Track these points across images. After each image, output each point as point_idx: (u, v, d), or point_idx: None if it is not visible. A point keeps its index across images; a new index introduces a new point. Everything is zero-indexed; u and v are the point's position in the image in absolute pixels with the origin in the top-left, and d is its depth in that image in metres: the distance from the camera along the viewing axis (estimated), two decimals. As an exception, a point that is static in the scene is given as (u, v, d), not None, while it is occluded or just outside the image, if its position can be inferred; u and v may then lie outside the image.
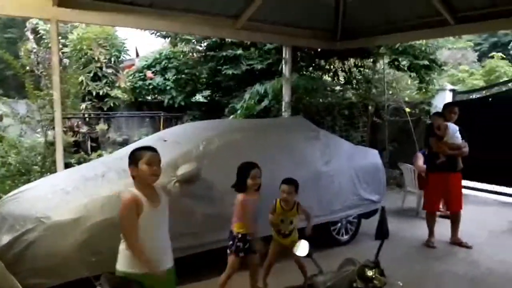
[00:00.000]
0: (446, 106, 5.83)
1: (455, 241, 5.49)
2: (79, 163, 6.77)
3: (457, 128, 5.33)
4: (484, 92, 9.21)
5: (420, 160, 6.77)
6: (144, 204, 2.53)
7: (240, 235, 3.52)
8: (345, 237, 5.40)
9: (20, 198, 3.89)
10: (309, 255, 2.24)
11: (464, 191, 5.83)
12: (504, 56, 14.44)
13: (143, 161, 2.58)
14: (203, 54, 10.49)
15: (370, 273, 1.87)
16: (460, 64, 14.75)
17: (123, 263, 2.58)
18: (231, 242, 3.55)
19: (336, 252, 4.88)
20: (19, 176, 6.01)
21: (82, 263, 3.44)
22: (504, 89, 8.78)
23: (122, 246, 2.60)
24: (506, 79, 11.02)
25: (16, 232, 3.45)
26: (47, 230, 3.44)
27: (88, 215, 3.55)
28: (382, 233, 2.09)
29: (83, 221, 3.52)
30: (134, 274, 2.51)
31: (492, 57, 14.12)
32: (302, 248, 2.28)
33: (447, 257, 5.11)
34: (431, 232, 5.47)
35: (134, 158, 2.63)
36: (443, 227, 5.55)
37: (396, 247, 5.08)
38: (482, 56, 17.59)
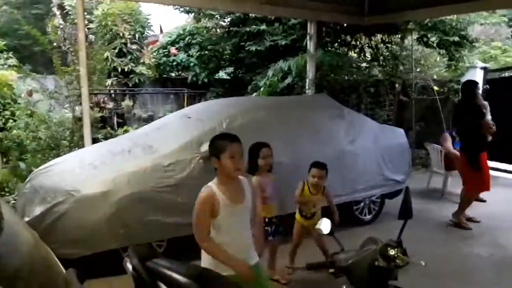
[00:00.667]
0: (476, 84, 5.42)
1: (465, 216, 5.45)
2: (105, 138, 6.93)
3: None
4: (517, 70, 8.87)
5: (448, 141, 6.58)
6: (222, 203, 2.27)
7: (266, 219, 3.46)
8: (368, 217, 5.38)
9: (51, 172, 4.03)
10: (331, 233, 2.25)
11: (493, 172, 5.68)
12: (540, 32, 13.80)
13: (226, 155, 2.28)
14: (227, 29, 10.41)
15: (392, 252, 1.87)
16: (493, 41, 14.15)
17: (208, 263, 2.35)
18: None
19: (359, 232, 4.88)
20: (49, 151, 6.20)
21: (111, 235, 3.58)
22: (539, 66, 8.43)
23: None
24: (542, 56, 10.55)
25: (47, 204, 3.60)
26: (77, 203, 3.57)
27: (116, 189, 3.65)
28: (405, 213, 2.07)
29: (111, 194, 3.63)
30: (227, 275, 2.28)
31: (527, 33, 13.52)
32: (324, 226, 2.29)
33: (473, 238, 5.04)
34: (463, 213, 5.38)
35: (215, 149, 2.34)
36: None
37: (420, 227, 5.03)
38: (517, 32, 16.80)
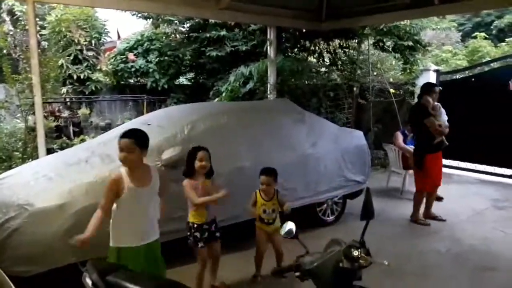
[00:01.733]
0: (430, 86, 5.59)
1: (430, 216, 5.62)
2: (61, 148, 6.66)
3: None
4: (467, 72, 9.29)
5: (399, 139, 6.84)
6: (127, 184, 2.72)
7: (195, 225, 3.45)
8: (331, 218, 5.46)
9: (2, 185, 3.81)
10: (295, 236, 2.25)
11: (447, 170, 5.91)
12: (487, 36, 14.60)
13: (119, 147, 2.81)
14: (186, 35, 10.33)
15: (356, 253, 1.89)
16: (444, 45, 14.84)
17: (112, 237, 2.84)
18: (188, 233, 3.49)
19: (322, 233, 4.94)
20: (0, 163, 5.88)
21: (68, 250, 3.40)
22: (486, 69, 8.87)
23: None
24: (489, 59, 11.13)
25: (-2, 220, 3.39)
26: (31, 217, 3.38)
27: (73, 201, 3.50)
28: (367, 213, 2.10)
29: (67, 207, 3.47)
30: (125, 248, 2.79)
31: (475, 37, 14.26)
32: (288, 229, 2.29)
33: (431, 235, 5.22)
34: (417, 210, 5.56)
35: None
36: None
37: (382, 226, 5.16)
38: (466, 36, 17.73)
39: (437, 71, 9.28)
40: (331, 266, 1.93)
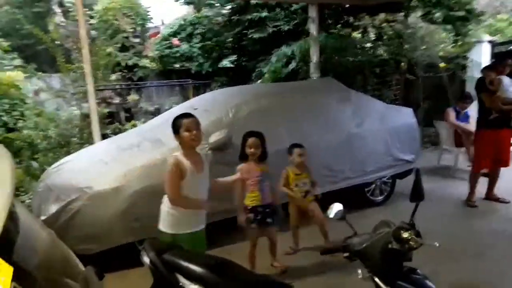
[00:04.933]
0: (499, 58, 5.42)
1: (492, 197, 5.37)
2: (114, 133, 6.96)
3: (511, 81, 5.01)
4: (525, 42, 8.70)
5: (452, 116, 6.56)
6: (187, 168, 2.73)
7: (249, 207, 3.52)
8: (380, 198, 5.38)
9: (63, 170, 4.08)
10: (343, 218, 2.25)
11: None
12: (548, 1, 13.45)
13: (183, 129, 2.78)
14: (228, 18, 10.33)
15: (405, 234, 1.87)
16: (499, 13, 13.86)
17: (167, 223, 2.83)
18: (242, 214, 3.55)
19: (371, 213, 4.90)
20: (60, 148, 6.26)
21: (126, 230, 3.63)
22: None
23: (165, 208, 2.83)
24: (550, 26, 10.32)
25: (62, 202, 3.65)
26: (90, 200, 3.62)
27: (127, 184, 3.70)
28: (417, 195, 2.06)
29: (122, 190, 3.67)
30: (179, 234, 2.77)
31: (535, 3, 13.19)
32: (335, 211, 2.29)
33: (486, 214, 5.02)
34: (473, 191, 5.31)
35: (174, 127, 2.83)
36: (480, 185, 5.40)
37: (433, 206, 5.03)
38: (524, 2, 16.43)
39: (491, 42, 8.74)
40: (380, 247, 1.93)
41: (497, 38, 9.70)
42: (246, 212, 3.54)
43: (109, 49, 9.01)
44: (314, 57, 7.60)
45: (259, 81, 8.58)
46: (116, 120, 8.41)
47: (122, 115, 8.79)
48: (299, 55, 8.05)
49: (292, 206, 3.98)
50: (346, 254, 2.07)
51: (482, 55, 8.26)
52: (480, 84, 5.13)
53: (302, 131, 4.61)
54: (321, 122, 4.84)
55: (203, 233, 2.95)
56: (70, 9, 9.41)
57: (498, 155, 5.18)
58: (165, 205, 2.84)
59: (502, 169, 5.37)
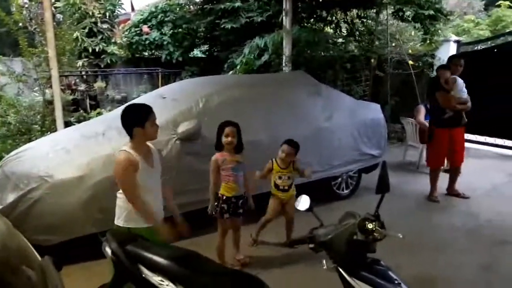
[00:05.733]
0: (452, 58, 5.56)
1: (452, 192, 5.56)
2: (78, 121, 6.73)
3: (463, 82, 5.19)
4: (489, 43, 8.99)
5: (422, 114, 6.72)
6: (140, 163, 2.60)
7: (224, 197, 3.49)
8: (346, 192, 5.46)
9: (22, 158, 3.90)
10: (310, 209, 2.26)
11: (467, 145, 5.81)
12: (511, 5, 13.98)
13: (150, 122, 2.64)
14: (200, 7, 10.17)
15: (370, 225, 1.89)
16: (466, 14, 14.31)
17: (124, 218, 2.68)
18: (215, 204, 3.53)
19: (337, 206, 4.96)
20: (20, 136, 6.00)
21: (88, 220, 3.52)
22: (510, 39, 8.56)
23: (120, 203, 2.70)
24: (513, 29, 10.74)
25: (20, 191, 3.50)
26: (51, 189, 3.48)
27: (91, 173, 3.58)
28: (383, 187, 2.09)
29: (86, 179, 3.56)
30: (136, 228, 2.61)
31: (499, 5, 13.66)
32: (303, 202, 2.30)
33: (447, 209, 5.20)
34: (434, 187, 5.48)
35: (139, 119, 2.62)
36: (443, 181, 5.58)
37: (397, 200, 5.15)
38: (489, 5, 17.01)
39: (457, 41, 9.01)
40: (345, 238, 1.95)
41: (463, 38, 10.02)
42: (220, 202, 3.51)
43: (76, 34, 8.70)
44: (287, 50, 7.59)
45: (231, 72, 8.51)
46: (81, 107, 8.14)
47: (88, 102, 8.51)
48: (272, 48, 8.02)
49: (275, 198, 3.90)
50: (311, 245, 2.08)
51: (449, 54, 8.50)
52: (435, 83, 5.26)
53: (273, 123, 4.60)
54: (291, 115, 4.84)
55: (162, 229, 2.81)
56: (34, -10, 9.00)
57: (453, 153, 5.37)
58: (120, 199, 2.69)
59: (463, 166, 5.57)
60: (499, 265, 3.80)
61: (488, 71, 7.66)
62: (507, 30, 10.63)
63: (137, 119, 2.62)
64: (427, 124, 6.50)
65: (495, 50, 8.28)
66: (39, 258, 2.09)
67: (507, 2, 13.49)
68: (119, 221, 2.70)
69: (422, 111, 6.75)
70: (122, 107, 5.15)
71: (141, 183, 2.61)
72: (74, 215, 3.49)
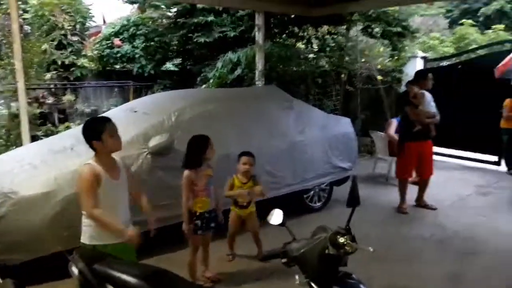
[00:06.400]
0: (420, 73, 5.70)
1: (421, 204, 5.70)
2: (46, 135, 6.56)
3: (431, 96, 5.35)
4: (453, 59, 9.37)
5: (392, 127, 6.88)
6: (103, 176, 2.55)
7: (197, 213, 3.45)
8: (318, 204, 5.51)
9: (-15, 173, 3.75)
10: (283, 224, 2.26)
11: (435, 157, 5.97)
12: (474, 23, 14.68)
13: (107, 134, 2.59)
14: (173, 20, 10.17)
15: (341, 239, 1.91)
16: (432, 31, 14.90)
17: (88, 235, 2.61)
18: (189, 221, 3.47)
19: (309, 219, 4.99)
20: (-17, 150, 5.78)
21: (54, 238, 3.39)
22: (472, 56, 8.96)
23: (84, 219, 2.62)
24: (475, 46, 11.22)
25: (-18, 208, 3.35)
26: (16, 205, 3.35)
27: (58, 189, 3.47)
28: (353, 200, 2.11)
29: (53, 195, 3.44)
30: (102, 245, 2.55)
31: (462, 24, 14.32)
32: (276, 217, 2.30)
33: (416, 221, 5.31)
34: (403, 199, 5.60)
35: (94, 131, 2.60)
36: (411, 193, 5.72)
37: (367, 212, 5.23)
38: (453, 23, 17.80)
39: (424, 58, 9.34)
40: (317, 252, 1.95)
41: (430, 55, 10.40)
42: (194, 219, 3.46)
43: (44, 46, 8.51)
44: (259, 64, 7.67)
45: (204, 85, 8.50)
46: (48, 121, 7.93)
47: (56, 116, 8.29)
48: (245, 62, 8.08)
49: (234, 214, 3.94)
50: (284, 260, 2.07)
51: (416, 69, 8.79)
52: (404, 98, 5.43)
53: (246, 137, 4.61)
54: (264, 129, 4.87)
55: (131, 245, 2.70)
56: (1, 2, 8.77)
57: (422, 165, 5.52)
58: (85, 215, 2.61)
59: (431, 178, 5.72)
60: (466, 276, 3.90)
61: (452, 86, 7.97)
62: (470, 47, 11.11)
63: (93, 133, 2.59)
64: (396, 137, 6.67)
65: (459, 66, 8.63)
66: (0, 280, 2.00)
67: (470, 21, 14.17)
68: (83, 239, 2.63)
69: (393, 124, 6.91)
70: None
71: (105, 196, 2.56)
72: (39, 233, 3.37)
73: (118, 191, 2.67)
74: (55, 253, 3.36)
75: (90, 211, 2.52)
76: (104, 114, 5.48)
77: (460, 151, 8.42)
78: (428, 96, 5.33)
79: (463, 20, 14.80)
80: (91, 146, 2.62)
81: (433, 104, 5.36)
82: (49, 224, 3.38)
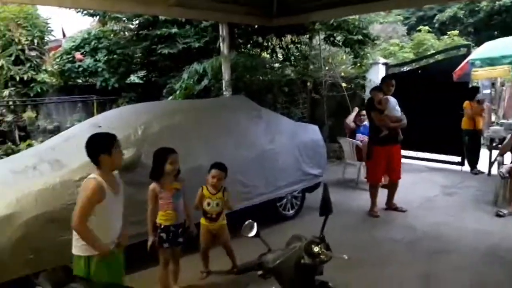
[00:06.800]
0: (384, 79, 5.92)
1: (391, 206, 5.82)
2: (7, 154, 6.29)
3: (396, 101, 5.51)
4: (413, 64, 9.70)
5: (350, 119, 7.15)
6: (107, 191, 2.63)
7: (162, 226, 3.43)
8: (291, 212, 5.52)
9: None
10: (257, 235, 2.24)
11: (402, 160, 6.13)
12: (430, 30, 15.26)
13: (115, 148, 2.71)
14: (136, 32, 10.04)
15: (316, 249, 1.90)
16: (391, 38, 15.38)
17: (79, 247, 2.65)
18: (155, 234, 3.45)
19: (283, 228, 4.99)
20: None
21: (19, 262, 3.24)
22: (431, 61, 9.30)
23: None
24: (433, 51, 11.67)
25: None
26: (-25, 230, 3.17)
27: (21, 211, 3.31)
28: (326, 208, 2.12)
29: (16, 217, 3.28)
30: (92, 256, 2.62)
31: (420, 30, 14.86)
32: (249, 228, 2.28)
33: (387, 223, 5.41)
34: (374, 203, 5.69)
35: (104, 146, 2.68)
36: (380, 196, 5.83)
37: (339, 216, 5.25)
38: (411, 30, 18.46)
39: (386, 64, 9.61)
40: (292, 263, 1.93)
41: (390, 61, 10.71)
42: (158, 231, 3.40)
43: (1, 62, 8.19)
44: (226, 75, 7.66)
45: (170, 97, 8.41)
46: (8, 139, 7.61)
47: (16, 133, 7.98)
48: (211, 73, 8.06)
49: (204, 228, 3.88)
50: (260, 272, 2.05)
51: (378, 76, 9.03)
52: (370, 104, 5.60)
53: (215, 148, 4.57)
54: (234, 139, 4.85)
55: (119, 253, 2.82)
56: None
57: (391, 169, 5.65)
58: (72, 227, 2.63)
59: (400, 181, 5.86)
60: (437, 275, 3.99)
61: (414, 90, 8.22)
62: (428, 53, 11.53)
63: (103, 146, 2.67)
64: (353, 141, 6.89)
65: (419, 71, 8.94)
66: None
67: (426, 27, 14.73)
68: (76, 250, 2.66)
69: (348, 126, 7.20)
70: (55, 137, 4.91)
71: (105, 210, 2.63)
72: (3, 257, 3.19)
73: (118, 205, 2.77)
74: (21, 277, 3.22)
75: (79, 225, 2.56)
76: (68, 130, 5.32)
77: (425, 153, 8.68)
78: (392, 101, 5.47)
79: (420, 27, 15.35)
80: (96, 160, 2.66)
81: (398, 108, 5.50)
82: (13, 247, 3.22)
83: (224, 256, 4.00)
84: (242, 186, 4.67)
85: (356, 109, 7.24)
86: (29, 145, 7.04)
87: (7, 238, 3.22)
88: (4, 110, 8.18)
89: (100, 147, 2.67)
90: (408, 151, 8.58)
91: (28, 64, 8.81)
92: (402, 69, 9.68)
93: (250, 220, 2.31)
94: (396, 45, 14.05)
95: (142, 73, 10.58)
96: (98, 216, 2.61)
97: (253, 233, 2.25)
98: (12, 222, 3.26)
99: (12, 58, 8.59)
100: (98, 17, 9.94)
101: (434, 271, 4.05)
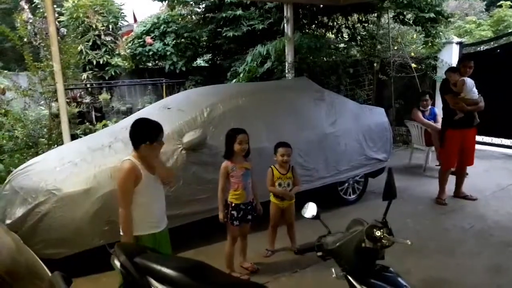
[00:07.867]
0: (462, 60, 5.56)
1: (459, 195, 5.52)
2: (85, 134, 6.79)
3: (473, 82, 5.16)
4: (492, 43, 8.97)
5: (419, 115, 6.74)
6: (142, 172, 2.69)
7: (233, 204, 3.53)
8: (353, 197, 5.45)
9: (30, 172, 3.94)
10: (317, 217, 2.26)
11: (478, 146, 5.78)
12: (513, 5, 13.97)
13: (158, 142, 2.77)
14: (202, 16, 10.24)
15: (378, 233, 1.88)
16: (467, 15, 14.31)
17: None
18: (226, 211, 3.55)
19: (344, 212, 4.95)
20: (27, 149, 6.05)
21: (96, 233, 3.54)
22: (512, 39, 8.54)
23: None
24: (515, 28, 10.71)
25: (29, 205, 3.53)
26: (59, 202, 3.51)
27: (98, 186, 3.60)
28: (389, 193, 2.08)
29: (93, 191, 3.58)
30: (139, 236, 2.71)
31: (501, 6, 13.65)
32: (310, 210, 2.30)
33: (455, 212, 5.16)
34: (443, 190, 5.43)
35: (150, 136, 2.72)
36: (448, 183, 5.55)
37: (404, 203, 5.14)
38: (490, 5, 17.01)
39: (460, 43, 8.99)
40: (353, 246, 1.94)
41: (466, 40, 10.00)
42: (230, 209, 3.53)
43: (80, 47, 8.77)
44: (289, 56, 7.62)
45: (234, 80, 8.54)
46: (86, 120, 8.20)
47: (93, 114, 8.57)
48: (274, 55, 8.04)
49: (274, 206, 3.97)
50: (319, 253, 2.07)
51: (452, 56, 8.48)
52: (444, 86, 5.28)
53: (278, 131, 4.61)
54: (296, 122, 4.86)
55: (166, 234, 2.92)
56: (38, 6, 9.10)
57: (464, 154, 5.33)
58: None
59: (470, 167, 5.53)
60: (509, 268, 3.77)
61: (491, 71, 7.63)
62: (510, 30, 10.60)
63: (148, 136, 2.71)
64: (431, 123, 6.52)
65: (498, 51, 8.26)
66: (49, 273, 2.10)
67: (508, 2, 13.49)
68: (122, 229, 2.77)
69: (418, 112, 6.77)
70: (128, 118, 5.23)
71: (145, 191, 2.70)
72: (82, 228, 3.52)
73: (156, 185, 2.82)
74: (97, 247, 3.52)
75: (124, 209, 2.68)
76: (139, 111, 5.63)
77: (500, 139, 8.09)
78: (470, 83, 5.12)
79: (501, 2, 14.09)
80: (137, 146, 2.72)
81: (475, 90, 5.15)
82: (91, 219, 3.52)
83: (285, 238, 4.06)
84: (302, 169, 4.68)
85: (418, 111, 6.81)
86: (105, 125, 7.53)
87: (85, 211, 3.53)
88: (82, 92, 8.80)
89: (146, 136, 2.71)
90: (483, 137, 8.04)
91: (103, 49, 9.35)
92: (478, 49, 8.99)
93: (310, 202, 2.33)
94: (472, 23, 13.06)
95: (207, 56, 10.81)
96: (142, 195, 2.70)
97: (313, 214, 2.27)
98: (90, 196, 3.56)
99: (90, 43, 9.15)
100: (167, 1, 10.26)
101: (505, 264, 3.83)
